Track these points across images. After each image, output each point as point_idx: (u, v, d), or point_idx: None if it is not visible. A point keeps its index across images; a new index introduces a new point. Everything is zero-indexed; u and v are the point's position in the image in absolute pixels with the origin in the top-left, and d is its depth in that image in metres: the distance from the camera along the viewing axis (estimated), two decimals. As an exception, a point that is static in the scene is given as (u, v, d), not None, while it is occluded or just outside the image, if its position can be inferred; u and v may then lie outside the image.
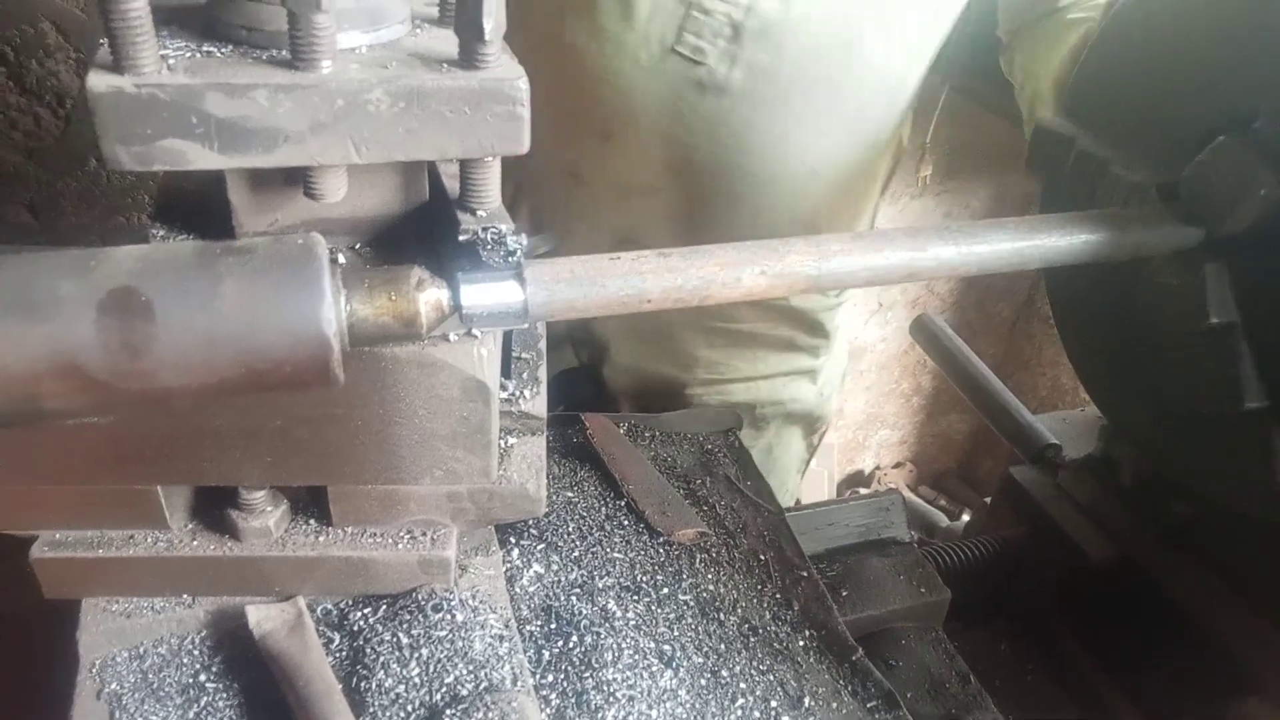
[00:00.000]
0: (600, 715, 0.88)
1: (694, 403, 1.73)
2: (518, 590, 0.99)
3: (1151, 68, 1.06)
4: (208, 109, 0.63)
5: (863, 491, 3.76)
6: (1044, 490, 1.38)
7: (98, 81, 0.61)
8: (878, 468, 3.97)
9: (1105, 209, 1.03)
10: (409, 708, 0.79)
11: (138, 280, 0.55)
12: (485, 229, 0.73)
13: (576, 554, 1.06)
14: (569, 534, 1.09)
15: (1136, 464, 1.30)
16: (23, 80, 1.94)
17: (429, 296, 0.63)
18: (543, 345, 1.00)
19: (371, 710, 0.78)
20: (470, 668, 0.82)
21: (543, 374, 0.97)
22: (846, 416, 3.82)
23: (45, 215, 2.10)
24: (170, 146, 0.64)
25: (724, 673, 0.98)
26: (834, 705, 0.98)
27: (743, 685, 0.97)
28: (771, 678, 0.99)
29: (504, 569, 0.98)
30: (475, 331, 0.79)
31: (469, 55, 0.69)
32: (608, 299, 0.70)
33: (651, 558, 1.10)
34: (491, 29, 0.67)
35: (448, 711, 0.78)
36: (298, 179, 0.73)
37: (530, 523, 1.08)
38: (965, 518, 3.29)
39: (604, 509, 1.15)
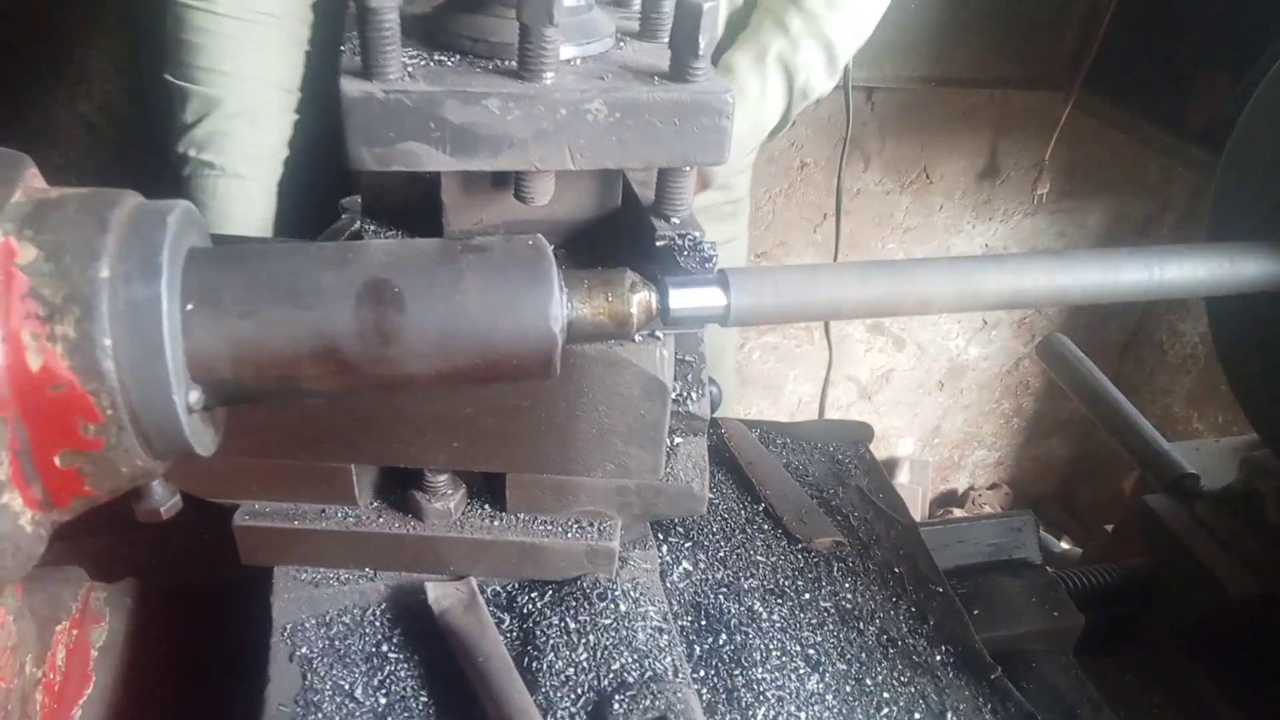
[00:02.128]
0: (751, 713, 0.91)
1: None
2: (668, 586, 1.02)
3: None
4: (445, 115, 0.68)
5: (957, 512, 3.71)
6: (1180, 520, 1.36)
7: (351, 87, 0.66)
8: (972, 488, 3.92)
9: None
10: (579, 690, 0.82)
11: (390, 273, 0.59)
12: (682, 235, 0.77)
13: (722, 554, 1.09)
14: (713, 535, 1.12)
15: (1285, 498, 1.27)
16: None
17: (641, 298, 0.67)
18: (703, 349, 1.03)
19: (544, 690, 0.82)
20: (635, 656, 0.85)
21: (705, 377, 0.99)
22: (943, 435, 3.78)
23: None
24: (408, 149, 0.68)
25: (867, 681, 0.99)
26: (975, 721, 0.99)
27: (886, 695, 0.98)
28: (913, 690, 1.00)
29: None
30: (658, 333, 0.82)
31: (680, 69, 0.72)
32: (805, 308, 0.72)
33: (792, 563, 1.12)
34: (706, 44, 0.70)
35: (616, 697, 0.81)
36: (505, 182, 0.78)
37: (676, 521, 1.11)
38: (1063, 544, 3.22)
39: (744, 512, 1.18)
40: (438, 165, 0.70)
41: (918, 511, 3.62)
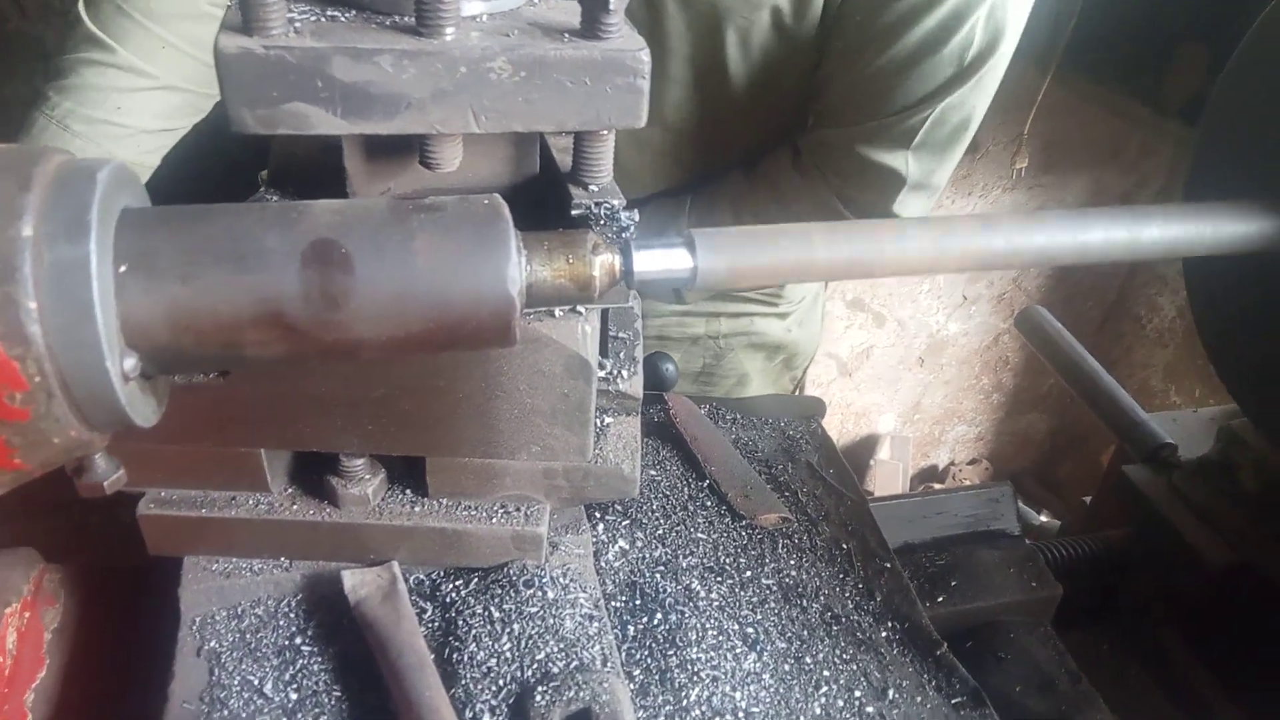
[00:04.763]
0: (684, 694, 0.87)
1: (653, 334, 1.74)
2: (603, 565, 0.99)
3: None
4: (333, 73, 0.63)
5: (937, 487, 3.70)
6: (1158, 491, 1.34)
7: (228, 43, 0.61)
8: (952, 463, 3.90)
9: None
10: (500, 682, 0.79)
11: (337, 233, 0.55)
12: (598, 204, 0.73)
13: (661, 532, 1.05)
14: (653, 512, 1.08)
15: (1260, 468, 1.24)
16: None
17: (604, 260, 0.63)
18: (639, 325, 0.99)
19: (463, 682, 0.78)
20: (561, 645, 0.81)
21: (639, 354, 0.96)
22: (923, 410, 3.76)
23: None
24: (295, 110, 0.64)
25: (807, 659, 0.96)
26: (918, 699, 0.95)
27: (826, 673, 0.95)
28: (855, 667, 0.97)
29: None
30: (580, 308, 0.78)
31: (591, 25, 0.67)
32: (775, 267, 0.69)
33: (734, 540, 1.09)
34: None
35: (539, 688, 0.77)
36: (412, 147, 0.73)
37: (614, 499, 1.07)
38: (1042, 517, 3.21)
39: (687, 489, 1.15)
40: (329, 128, 0.65)
41: (898, 487, 3.60)
